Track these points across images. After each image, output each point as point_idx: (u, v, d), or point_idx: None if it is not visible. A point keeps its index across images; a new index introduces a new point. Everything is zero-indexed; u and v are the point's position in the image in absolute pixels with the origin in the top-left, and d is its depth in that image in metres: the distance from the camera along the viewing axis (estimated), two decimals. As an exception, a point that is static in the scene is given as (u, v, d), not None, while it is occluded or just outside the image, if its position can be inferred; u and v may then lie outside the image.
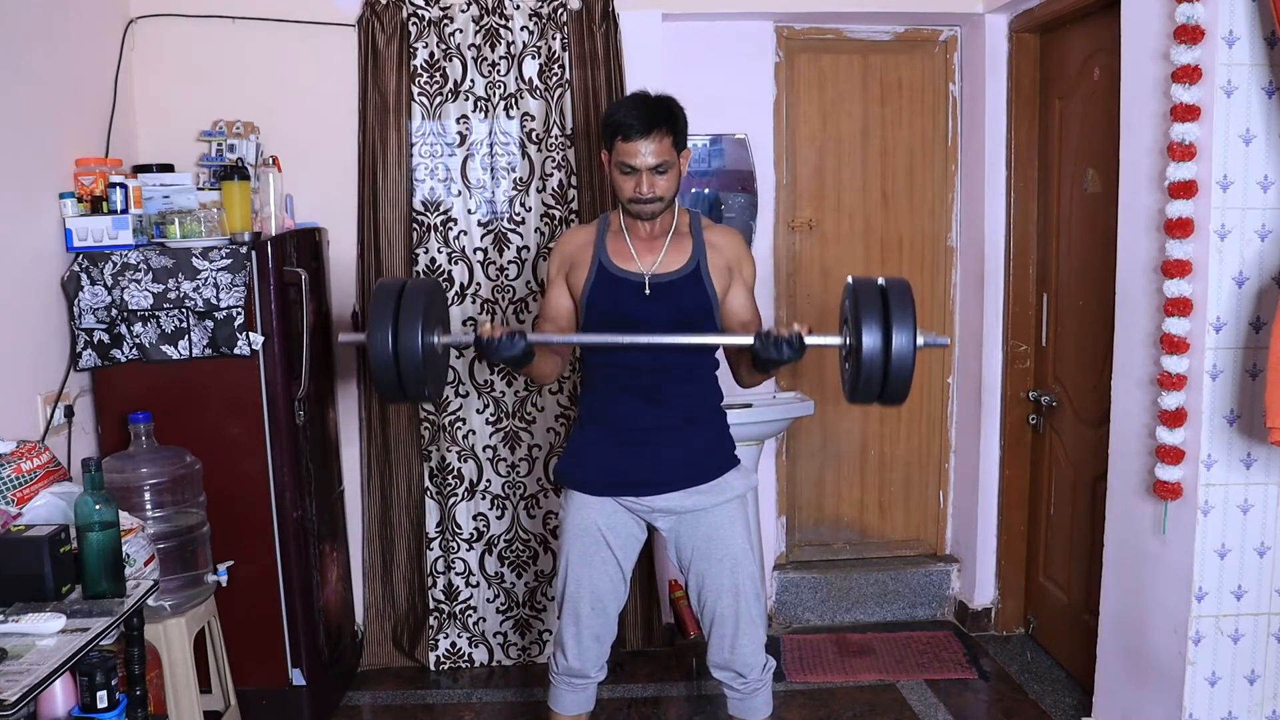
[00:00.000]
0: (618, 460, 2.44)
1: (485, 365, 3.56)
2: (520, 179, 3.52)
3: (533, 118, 3.48)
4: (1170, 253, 2.53)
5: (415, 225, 3.50)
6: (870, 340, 2.02)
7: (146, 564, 2.37)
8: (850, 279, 2.14)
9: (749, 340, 2.17)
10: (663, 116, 2.32)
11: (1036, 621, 3.78)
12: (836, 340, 2.16)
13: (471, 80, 3.46)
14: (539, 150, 3.50)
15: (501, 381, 3.57)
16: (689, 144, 2.43)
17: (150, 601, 2.31)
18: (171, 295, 2.85)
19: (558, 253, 2.53)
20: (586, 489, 2.48)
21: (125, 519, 2.32)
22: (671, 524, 2.49)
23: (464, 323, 3.53)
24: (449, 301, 3.52)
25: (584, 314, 2.46)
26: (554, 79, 3.47)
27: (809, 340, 2.13)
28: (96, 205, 2.89)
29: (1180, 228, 2.51)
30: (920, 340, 2.03)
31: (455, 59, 3.45)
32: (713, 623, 2.49)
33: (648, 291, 2.39)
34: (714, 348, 2.49)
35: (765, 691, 2.54)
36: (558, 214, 3.52)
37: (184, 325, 2.88)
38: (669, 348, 2.38)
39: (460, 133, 3.49)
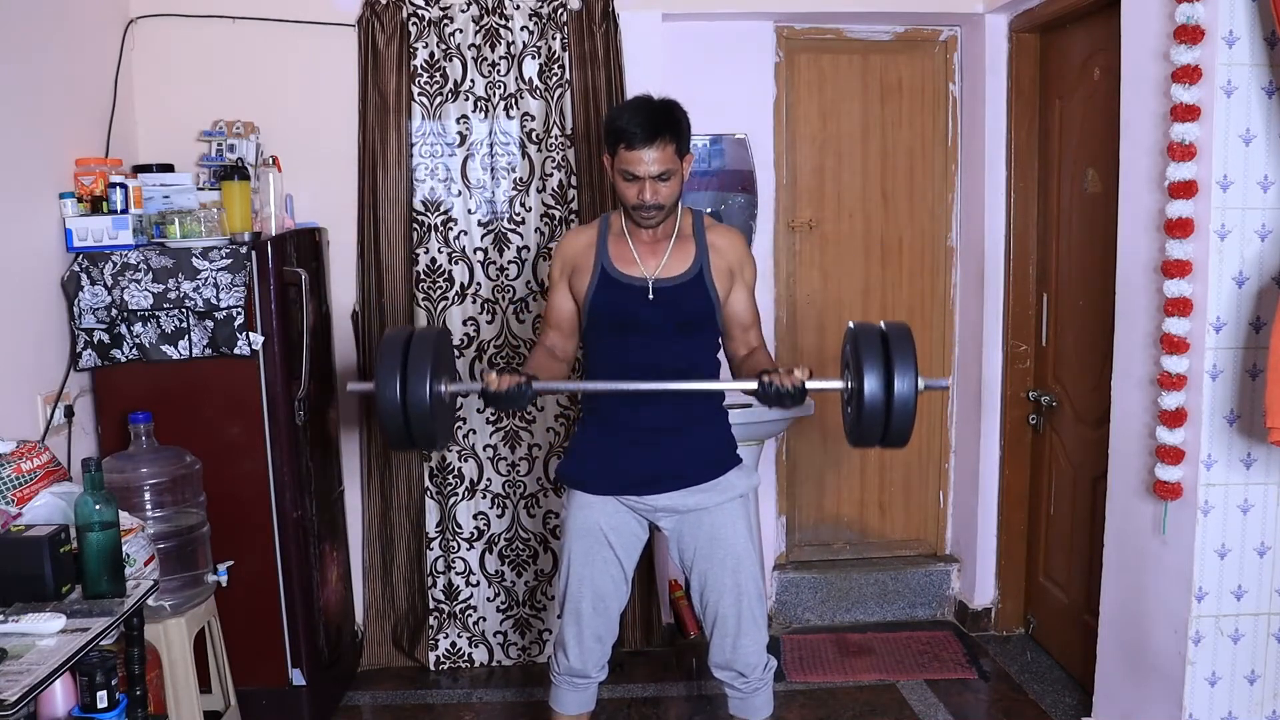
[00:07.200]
0: (620, 459, 2.44)
1: (485, 364, 3.56)
2: (520, 179, 3.52)
3: (533, 118, 3.48)
4: (1170, 253, 2.53)
5: (415, 225, 3.50)
6: (872, 384, 2.05)
7: (146, 564, 2.37)
8: (851, 324, 2.18)
9: (752, 385, 2.18)
10: (666, 124, 2.31)
11: (1036, 621, 3.77)
12: (838, 385, 2.18)
13: (471, 80, 3.46)
14: (539, 150, 3.50)
15: (501, 381, 3.57)
16: (690, 147, 2.42)
17: (150, 601, 2.30)
18: (171, 295, 2.85)
19: (559, 256, 2.52)
20: (589, 488, 2.48)
21: (125, 519, 2.32)
22: (674, 523, 2.49)
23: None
24: (450, 301, 3.53)
25: (586, 318, 2.46)
26: (554, 79, 3.47)
27: (810, 385, 2.16)
28: (96, 205, 2.89)
29: (1180, 228, 2.51)
30: (921, 384, 2.07)
31: (455, 59, 3.45)
32: (715, 622, 2.49)
33: (651, 296, 2.39)
34: (715, 349, 2.49)
35: (766, 691, 2.54)
36: (558, 214, 3.52)
37: (184, 325, 2.88)
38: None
39: (460, 133, 3.49)
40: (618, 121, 2.32)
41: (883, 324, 2.14)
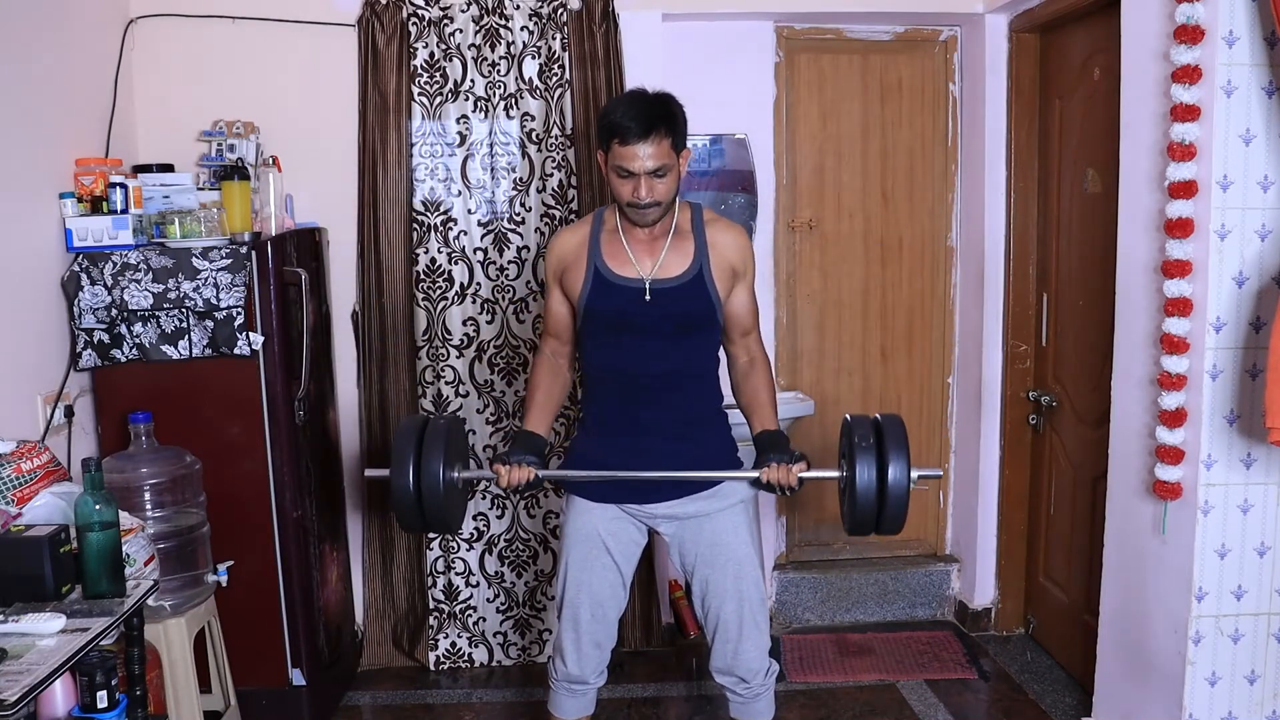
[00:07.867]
0: (619, 466, 2.39)
1: (485, 364, 3.56)
2: (520, 179, 3.52)
3: (533, 118, 3.48)
4: (1170, 253, 2.53)
5: (415, 225, 3.50)
6: (865, 476, 2.19)
7: (146, 564, 2.37)
8: (847, 416, 2.32)
9: (753, 475, 2.31)
10: (661, 117, 2.23)
11: (1036, 621, 3.77)
12: (834, 474, 2.33)
13: (471, 80, 3.46)
14: (539, 150, 3.50)
15: (502, 381, 3.58)
16: (689, 144, 2.36)
17: (150, 601, 2.30)
18: (171, 295, 2.85)
19: (551, 256, 2.46)
20: (588, 494, 2.46)
21: (125, 519, 2.32)
22: (675, 529, 2.47)
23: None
24: (450, 301, 3.53)
25: (581, 319, 2.42)
26: (554, 79, 3.47)
27: (806, 475, 2.31)
28: (96, 205, 2.89)
29: (1180, 228, 2.51)
30: (914, 475, 2.18)
31: (455, 59, 3.45)
32: (716, 628, 2.48)
33: (648, 298, 2.34)
34: (715, 347, 2.46)
35: (768, 696, 2.53)
36: (558, 214, 3.52)
37: (184, 325, 2.88)
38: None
39: (460, 133, 3.49)
40: (611, 115, 2.24)
41: (878, 415, 2.27)
